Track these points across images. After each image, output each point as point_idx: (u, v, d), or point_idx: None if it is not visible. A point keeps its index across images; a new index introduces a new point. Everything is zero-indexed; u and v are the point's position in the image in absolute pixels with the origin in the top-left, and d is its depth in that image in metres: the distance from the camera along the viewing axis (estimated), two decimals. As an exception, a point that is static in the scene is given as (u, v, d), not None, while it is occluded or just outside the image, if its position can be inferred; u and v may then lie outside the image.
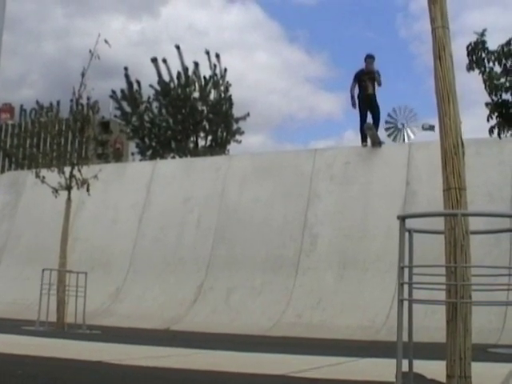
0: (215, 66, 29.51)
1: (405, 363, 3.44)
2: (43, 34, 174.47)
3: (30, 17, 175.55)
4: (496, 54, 10.48)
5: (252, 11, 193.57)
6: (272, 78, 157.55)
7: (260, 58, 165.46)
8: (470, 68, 10.58)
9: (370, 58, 14.15)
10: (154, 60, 29.21)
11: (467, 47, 10.60)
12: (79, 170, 11.62)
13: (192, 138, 30.08)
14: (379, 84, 14.06)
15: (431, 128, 46.19)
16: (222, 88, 29.89)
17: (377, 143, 13.75)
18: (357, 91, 14.02)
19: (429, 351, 4.99)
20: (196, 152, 28.43)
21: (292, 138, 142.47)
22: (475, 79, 10.50)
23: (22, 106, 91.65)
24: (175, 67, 29.56)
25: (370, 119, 13.98)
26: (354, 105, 13.93)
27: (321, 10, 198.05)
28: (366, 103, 13.95)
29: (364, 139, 13.91)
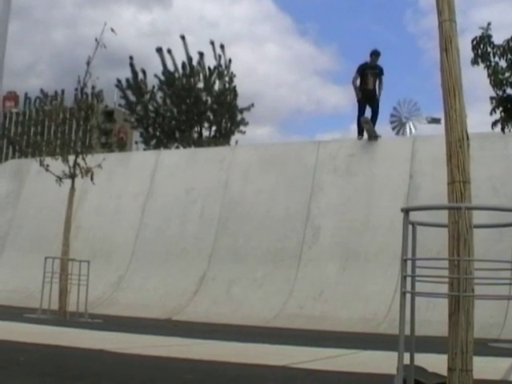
0: (220, 56, 29.46)
1: (406, 356, 3.44)
2: (52, 24, 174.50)
3: (39, 6, 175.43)
4: (501, 49, 10.44)
5: (263, 3, 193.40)
6: (281, 70, 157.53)
7: (270, 51, 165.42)
8: (474, 62, 10.54)
9: (375, 55, 14.12)
10: (159, 50, 29.17)
11: (472, 41, 10.56)
12: (83, 159, 11.62)
13: (196, 129, 30.06)
14: (381, 83, 14.12)
15: (437, 121, 46.23)
16: (227, 79, 29.85)
17: (373, 137, 13.77)
18: (358, 84, 14.04)
19: (430, 344, 5.00)
20: (200, 142, 28.41)
21: (299, 130, 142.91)
22: (482, 74, 10.46)
23: (26, 94, 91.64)
24: (182, 57, 29.55)
25: (368, 113, 14.01)
26: (358, 95, 13.95)
27: (331, 3, 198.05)
28: (366, 97, 13.97)
29: (360, 132, 13.96)
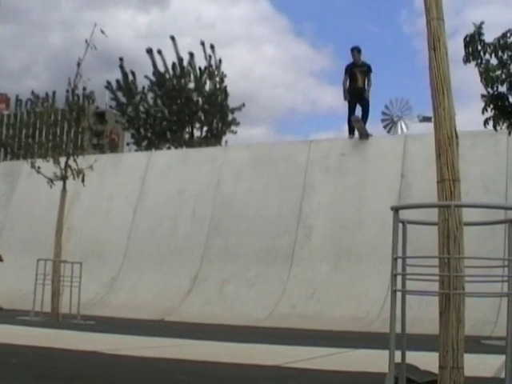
0: (210, 56, 29.48)
1: (398, 354, 3.45)
2: (50, 26, 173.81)
3: (37, 8, 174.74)
4: (492, 47, 10.45)
5: (260, 4, 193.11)
6: (278, 71, 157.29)
7: (267, 52, 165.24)
8: (466, 60, 10.55)
9: (357, 51, 14.04)
10: (150, 51, 29.15)
11: (464, 39, 10.56)
12: (75, 160, 11.59)
13: (187, 129, 30.07)
14: (369, 80, 14.09)
15: (428, 119, 46.28)
16: (218, 79, 29.87)
17: (364, 135, 13.75)
18: (348, 85, 14.03)
19: (422, 342, 5.01)
20: (191, 143, 28.43)
21: (294, 130, 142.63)
22: (475, 73, 10.45)
23: (17, 96, 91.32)
24: (175, 58, 29.54)
25: (359, 112, 14.00)
26: (345, 98, 13.95)
27: (327, 4, 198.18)
28: (356, 96, 13.95)
29: (351, 131, 13.95)
